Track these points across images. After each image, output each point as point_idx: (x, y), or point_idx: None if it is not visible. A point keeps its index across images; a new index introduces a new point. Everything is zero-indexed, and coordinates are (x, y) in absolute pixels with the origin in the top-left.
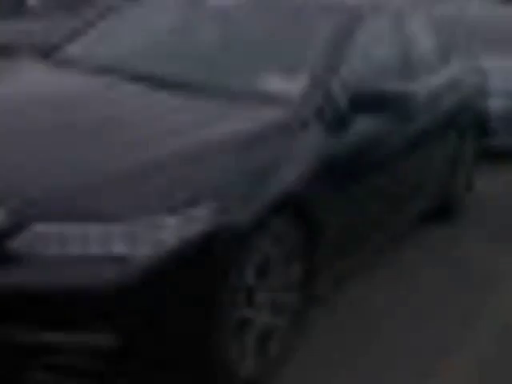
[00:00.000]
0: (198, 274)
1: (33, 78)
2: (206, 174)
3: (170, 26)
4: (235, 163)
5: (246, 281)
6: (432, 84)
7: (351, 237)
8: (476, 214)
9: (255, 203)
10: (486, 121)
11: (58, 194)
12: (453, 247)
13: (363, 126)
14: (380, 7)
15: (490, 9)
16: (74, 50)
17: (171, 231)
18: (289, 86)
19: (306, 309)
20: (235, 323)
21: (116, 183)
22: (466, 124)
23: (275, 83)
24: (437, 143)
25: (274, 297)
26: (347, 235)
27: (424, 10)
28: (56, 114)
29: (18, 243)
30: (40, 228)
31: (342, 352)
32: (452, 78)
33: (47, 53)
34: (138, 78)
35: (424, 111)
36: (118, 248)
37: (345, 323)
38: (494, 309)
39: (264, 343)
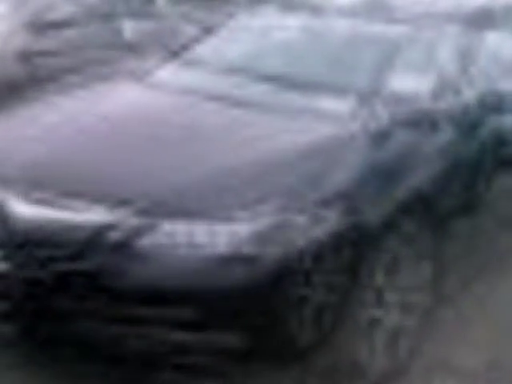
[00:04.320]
0: (327, 274)
1: (161, 78)
2: (337, 173)
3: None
4: (366, 163)
5: (376, 281)
6: None
7: (479, 236)
8: None
9: (385, 203)
10: None
11: (185, 193)
12: None
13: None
14: None
15: None
16: (202, 50)
17: (301, 231)
18: (419, 86)
19: (435, 308)
20: (365, 323)
21: (246, 183)
22: None
23: (406, 84)
24: None
25: (403, 297)
26: (475, 235)
27: None
28: (183, 115)
29: (147, 242)
30: (168, 227)
31: (471, 351)
32: None
33: (176, 52)
34: (266, 78)
35: None
36: (247, 247)
37: (473, 322)
38: None
39: (393, 343)
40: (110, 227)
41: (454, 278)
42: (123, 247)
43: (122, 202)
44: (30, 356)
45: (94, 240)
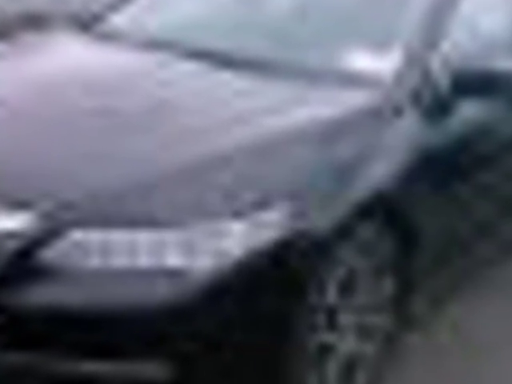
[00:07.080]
0: (269, 290)
1: (70, 55)
2: (280, 170)
3: None
4: (314, 157)
5: (328, 299)
6: None
7: (453, 245)
8: None
9: (338, 205)
10: None
11: (100, 195)
12: None
13: (468, 111)
14: None
15: None
16: (119, 20)
17: (237, 239)
18: (379, 64)
19: (400, 332)
20: (314, 350)
21: (171, 182)
22: None
23: (363, 61)
24: None
25: (361, 318)
26: (448, 244)
27: None
28: (99, 98)
29: (52, 253)
30: (79, 236)
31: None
32: None
33: (87, 24)
34: (196, 54)
35: None
36: (173, 259)
37: (445, 349)
38: None
39: (349, 373)
40: (7, 235)
41: (422, 296)
42: (23, 258)
43: (23, 204)
44: None
45: None
